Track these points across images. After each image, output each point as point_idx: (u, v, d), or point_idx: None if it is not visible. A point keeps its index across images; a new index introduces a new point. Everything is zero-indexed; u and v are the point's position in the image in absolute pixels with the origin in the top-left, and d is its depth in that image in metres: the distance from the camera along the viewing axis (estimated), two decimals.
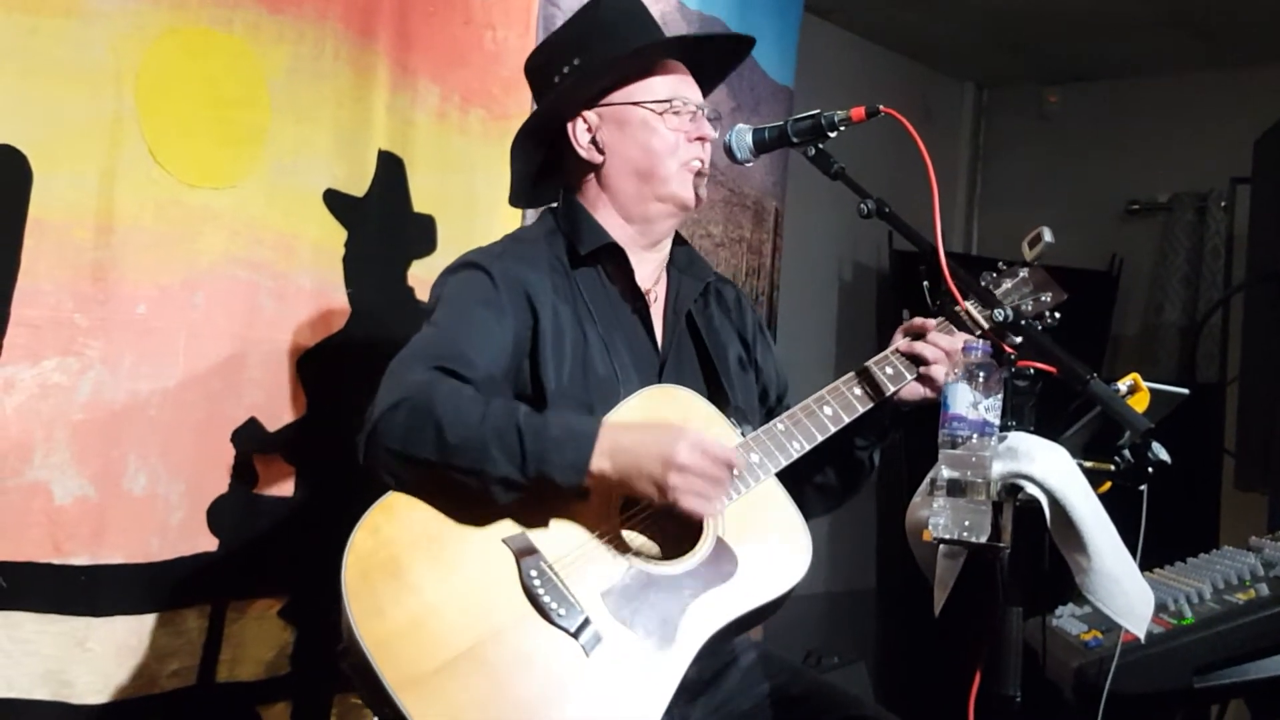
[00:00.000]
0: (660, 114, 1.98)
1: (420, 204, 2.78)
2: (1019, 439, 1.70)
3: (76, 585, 2.25)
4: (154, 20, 2.33)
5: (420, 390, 1.73)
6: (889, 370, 1.95)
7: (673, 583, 1.78)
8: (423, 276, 2.70)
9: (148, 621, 2.35)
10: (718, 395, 1.98)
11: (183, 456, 2.39)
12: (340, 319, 2.63)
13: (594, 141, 2.00)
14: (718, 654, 1.94)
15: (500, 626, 1.69)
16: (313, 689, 2.58)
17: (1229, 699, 2.65)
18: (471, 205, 2.84)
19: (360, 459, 1.76)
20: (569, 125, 2.01)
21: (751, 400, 2.08)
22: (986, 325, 1.80)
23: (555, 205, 2.11)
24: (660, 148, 1.97)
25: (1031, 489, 1.68)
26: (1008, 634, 1.69)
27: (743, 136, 1.99)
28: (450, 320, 1.88)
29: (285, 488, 2.56)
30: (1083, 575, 1.72)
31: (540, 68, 2.07)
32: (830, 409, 1.92)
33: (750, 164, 2.03)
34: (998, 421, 1.68)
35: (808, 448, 1.89)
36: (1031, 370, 1.72)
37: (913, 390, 1.96)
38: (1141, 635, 1.78)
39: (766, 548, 1.84)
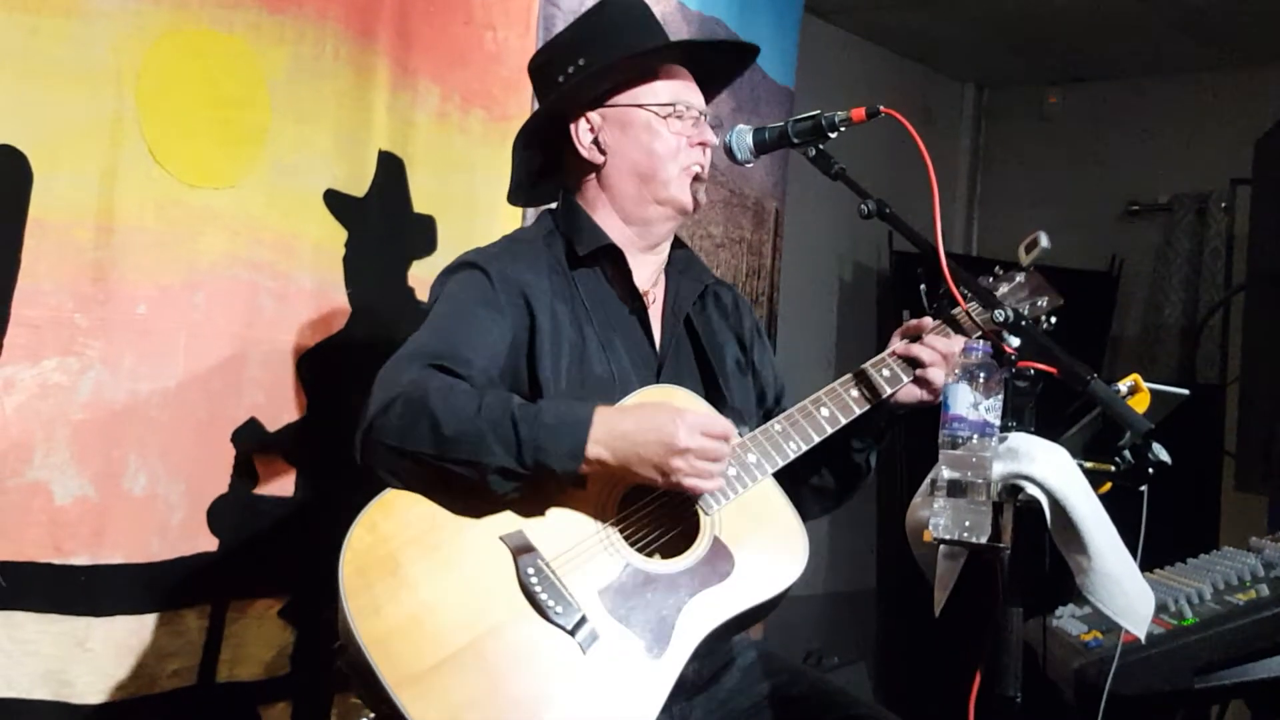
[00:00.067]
0: (664, 117, 1.98)
1: (420, 204, 2.78)
2: (1019, 439, 1.70)
3: (77, 585, 2.25)
4: (154, 20, 2.33)
5: (414, 387, 1.73)
6: (886, 372, 1.95)
7: (669, 581, 1.79)
8: (423, 277, 2.70)
9: (148, 621, 2.35)
10: (715, 397, 1.99)
11: (183, 456, 2.39)
12: (341, 319, 2.63)
13: (596, 142, 2.01)
14: (716, 653, 1.94)
15: (497, 624, 1.69)
16: (313, 689, 2.58)
17: (1229, 699, 2.64)
18: (472, 205, 2.84)
19: (357, 457, 1.76)
20: (571, 125, 2.01)
21: (749, 402, 2.09)
22: (984, 328, 1.81)
23: (554, 206, 2.12)
24: (662, 150, 1.98)
25: (1032, 489, 1.68)
26: (1008, 634, 1.69)
27: (743, 137, 1.99)
28: (447, 319, 1.89)
29: (285, 488, 2.56)
30: (1083, 576, 1.72)
31: (544, 67, 2.08)
32: (827, 410, 1.92)
33: (750, 164, 2.04)
34: (998, 422, 1.68)
35: (805, 448, 1.90)
36: (1032, 371, 1.72)
37: (910, 392, 1.96)
38: (1142, 636, 1.78)
39: (763, 547, 1.84)
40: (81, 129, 2.25)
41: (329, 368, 2.58)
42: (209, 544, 2.44)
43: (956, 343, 1.93)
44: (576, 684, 1.69)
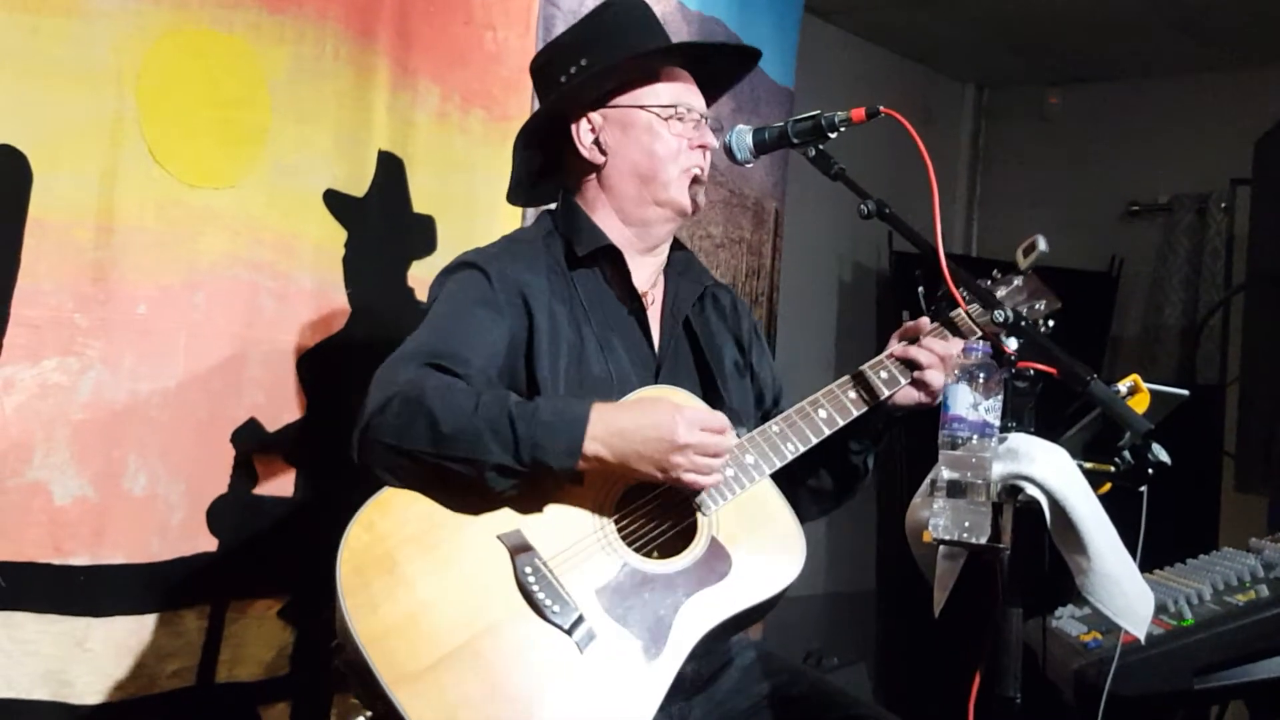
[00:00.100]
0: (665, 119, 1.99)
1: (420, 204, 2.78)
2: (1019, 440, 1.70)
3: (76, 585, 2.25)
4: (155, 20, 2.33)
5: (411, 385, 1.73)
6: (884, 374, 1.95)
7: (667, 581, 1.79)
8: (423, 277, 2.70)
9: (147, 622, 2.35)
10: (713, 398, 1.99)
11: (183, 457, 2.39)
12: (340, 319, 2.63)
13: (597, 142, 2.01)
14: (715, 652, 1.95)
15: (494, 622, 1.70)
16: (312, 689, 2.58)
17: (1229, 700, 2.64)
18: (472, 206, 2.84)
19: (354, 456, 1.76)
20: (573, 125, 2.01)
21: (747, 403, 2.09)
22: (984, 329, 1.81)
23: (553, 207, 2.12)
24: (663, 152, 1.98)
25: (1032, 490, 1.68)
26: (1008, 635, 1.69)
27: (743, 137, 1.99)
28: (446, 319, 1.89)
29: (285, 488, 2.56)
30: (1083, 576, 1.72)
31: (546, 67, 2.08)
32: (825, 412, 1.92)
33: (750, 165, 2.04)
34: (998, 423, 1.68)
35: (802, 449, 1.90)
36: (1031, 371, 1.72)
37: (908, 395, 1.96)
38: (1141, 636, 1.79)
39: (760, 548, 1.85)
40: (82, 129, 2.25)
41: (329, 368, 2.58)
42: (209, 544, 2.44)
43: (954, 345, 1.93)
44: (573, 683, 1.69)
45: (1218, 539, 4.21)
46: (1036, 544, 1.71)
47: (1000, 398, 1.69)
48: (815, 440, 1.91)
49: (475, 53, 2.86)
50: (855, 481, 2.10)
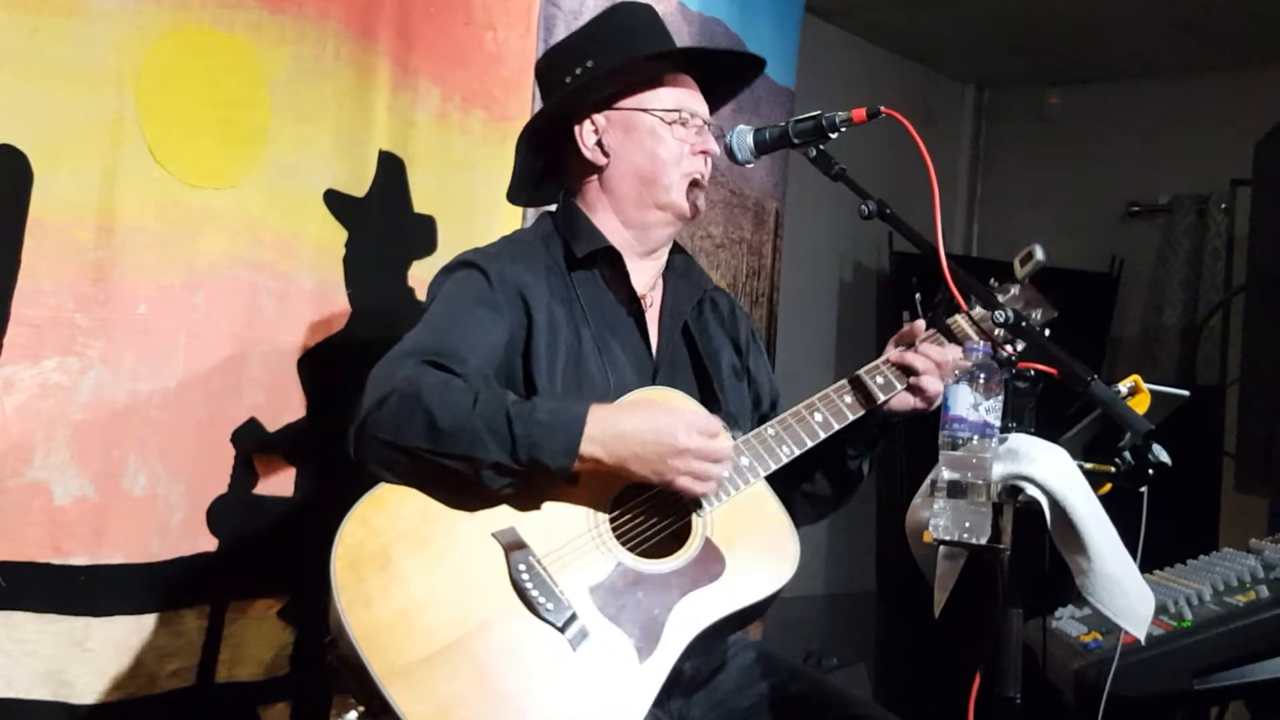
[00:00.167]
0: (669, 123, 2.00)
1: (421, 204, 2.78)
2: (1019, 440, 1.70)
3: (76, 585, 2.25)
4: (155, 20, 2.33)
5: (409, 382, 1.74)
6: (880, 379, 1.95)
7: (660, 581, 1.79)
8: (423, 277, 2.69)
9: (147, 622, 2.35)
10: (710, 402, 1.99)
11: (183, 456, 2.39)
12: (341, 319, 2.63)
13: (599, 144, 2.02)
14: (714, 651, 1.95)
15: (487, 619, 1.70)
16: (312, 689, 2.58)
17: (1229, 701, 2.65)
18: (472, 206, 2.84)
19: (351, 452, 1.77)
20: (576, 127, 2.02)
21: (744, 407, 2.10)
22: (984, 329, 1.80)
23: (553, 208, 2.13)
24: (665, 155, 1.99)
25: (1032, 490, 1.68)
26: (1008, 635, 1.70)
27: (744, 137, 1.99)
28: (444, 318, 1.89)
29: (285, 488, 2.56)
30: (1083, 577, 1.72)
31: (552, 68, 2.09)
32: (821, 415, 1.93)
33: (751, 165, 2.04)
34: (998, 423, 1.68)
35: (797, 452, 1.90)
36: (1032, 372, 1.72)
37: (903, 400, 1.96)
38: (1141, 637, 1.79)
39: (754, 550, 1.85)
40: (82, 129, 2.25)
41: (329, 368, 2.58)
42: (209, 544, 2.44)
43: (950, 351, 1.93)
44: (565, 681, 1.69)
45: (1218, 540, 4.21)
46: (1037, 544, 1.71)
47: (1001, 398, 1.69)
48: (811, 444, 1.91)
49: (476, 53, 2.86)
50: (851, 486, 2.10)
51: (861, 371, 1.96)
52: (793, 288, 4.27)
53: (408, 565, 1.71)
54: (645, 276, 2.06)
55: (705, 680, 1.96)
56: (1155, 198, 5.41)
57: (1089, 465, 1.70)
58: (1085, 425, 1.83)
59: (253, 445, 2.50)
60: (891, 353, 1.97)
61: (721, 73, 2.12)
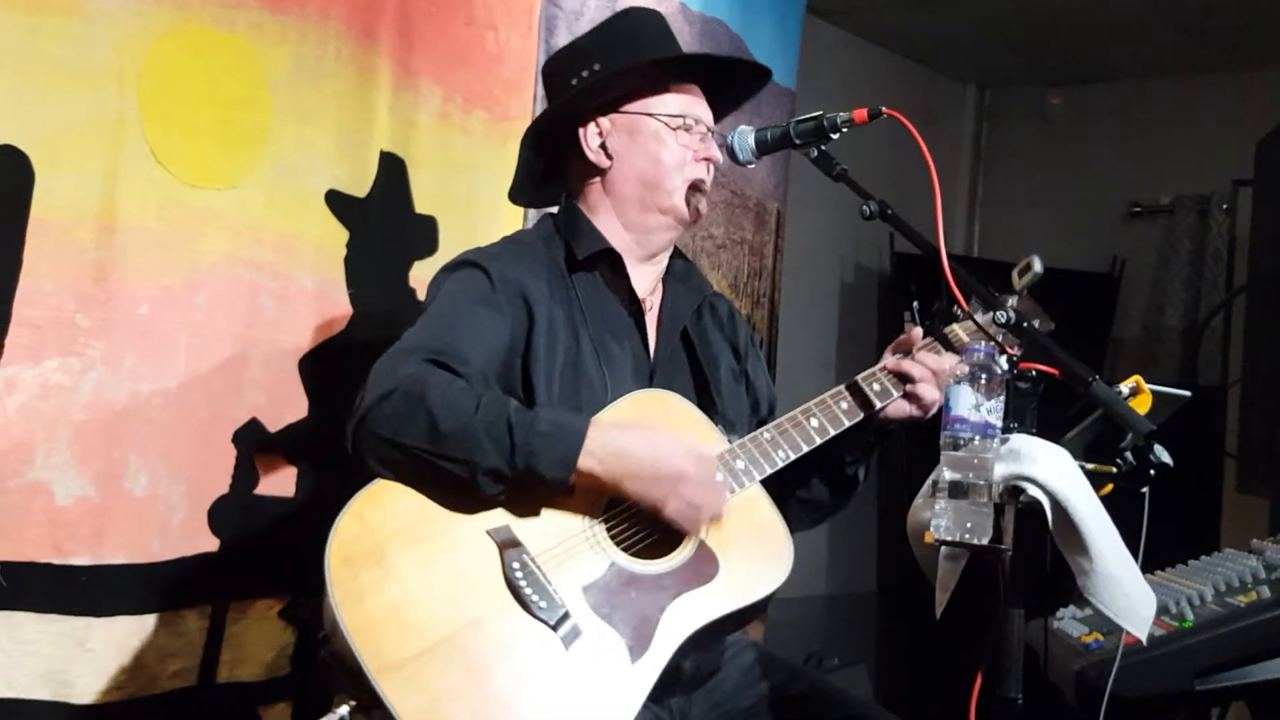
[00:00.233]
0: (673, 129, 2.01)
1: (422, 205, 2.78)
2: (1021, 441, 1.70)
3: (77, 585, 2.25)
4: (156, 20, 2.33)
5: (413, 380, 1.74)
6: (876, 386, 1.96)
7: (654, 582, 1.79)
8: (424, 277, 2.68)
9: (148, 622, 2.35)
10: (707, 406, 2.00)
11: (184, 457, 2.39)
12: (342, 320, 2.63)
13: (603, 146, 2.02)
14: (713, 650, 1.95)
15: (480, 616, 1.70)
16: (313, 690, 2.58)
17: (1230, 701, 2.65)
18: (473, 206, 2.84)
19: (349, 446, 1.77)
20: (581, 129, 2.03)
21: (741, 412, 2.10)
22: (986, 331, 1.80)
23: (555, 210, 2.13)
24: (669, 160, 2.00)
25: (1033, 491, 1.68)
26: (1009, 636, 1.69)
27: (745, 138, 2.00)
28: (447, 315, 1.90)
29: (286, 488, 2.56)
30: (1084, 577, 1.72)
31: (559, 69, 2.10)
32: (817, 421, 1.93)
33: (752, 165, 2.04)
34: (1000, 423, 1.68)
35: (793, 457, 1.91)
36: (1033, 372, 1.72)
37: (899, 408, 1.97)
38: (1143, 637, 1.79)
39: (748, 553, 1.85)
40: (83, 129, 2.25)
41: (330, 368, 2.58)
42: (210, 544, 2.44)
43: (947, 360, 1.94)
44: (557, 679, 1.70)
45: (1219, 540, 4.21)
46: (1038, 545, 1.71)
47: (1002, 399, 1.69)
48: (806, 448, 1.92)
49: (477, 53, 2.86)
50: (847, 492, 2.11)
51: (859, 378, 1.97)
52: (794, 288, 4.27)
53: (402, 561, 1.71)
54: (646, 281, 2.07)
55: (705, 678, 1.96)
56: (1156, 198, 5.40)
57: (1090, 466, 1.70)
58: (1087, 426, 1.83)
59: (254, 445, 2.50)
60: (889, 360, 1.98)
61: (727, 81, 2.13)
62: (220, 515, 2.45)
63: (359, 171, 2.66)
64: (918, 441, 2.04)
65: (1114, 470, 1.68)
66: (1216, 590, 2.34)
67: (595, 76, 2.00)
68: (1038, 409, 1.73)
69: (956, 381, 1.70)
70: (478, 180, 2.84)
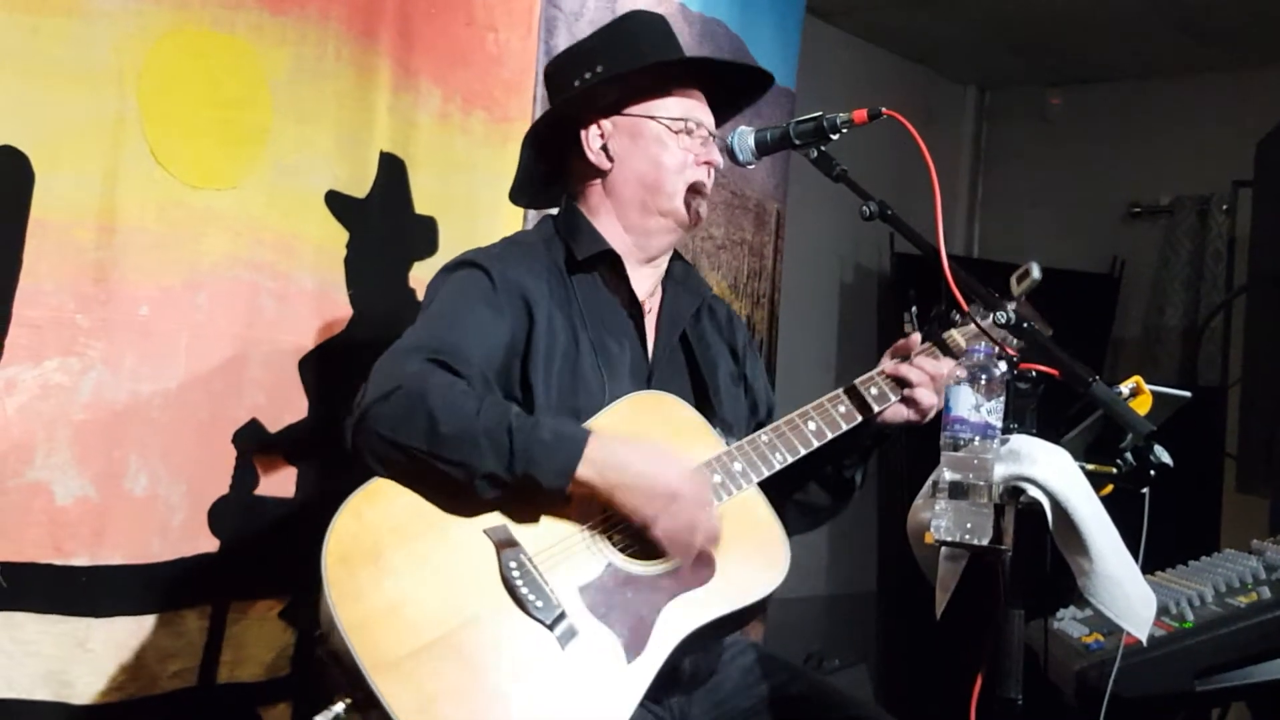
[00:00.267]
0: (675, 132, 2.02)
1: (422, 205, 2.78)
2: (1021, 441, 1.70)
3: (77, 586, 2.25)
4: (156, 21, 2.33)
5: (415, 380, 1.74)
6: (874, 391, 1.97)
7: (650, 583, 1.80)
8: (424, 278, 2.68)
9: (148, 622, 2.35)
10: (705, 408, 2.01)
11: (184, 457, 2.39)
12: (342, 320, 2.63)
13: (605, 148, 2.03)
14: (711, 650, 1.96)
15: (476, 615, 1.71)
16: (313, 690, 2.58)
17: (1230, 702, 2.65)
18: (473, 207, 2.84)
19: (348, 442, 1.77)
20: (582, 131, 2.03)
21: (739, 414, 2.11)
22: (988, 333, 1.80)
23: (555, 212, 2.13)
24: (670, 163, 2.01)
25: (1034, 491, 1.68)
26: (1009, 636, 1.69)
27: (745, 138, 2.00)
28: (448, 315, 1.90)
29: (286, 488, 2.56)
30: (1084, 578, 1.72)
31: (561, 71, 2.10)
32: (814, 424, 1.94)
33: (752, 166, 2.04)
34: (1000, 424, 1.68)
35: (790, 460, 1.91)
36: (1034, 373, 1.72)
37: (897, 412, 1.97)
38: (1143, 638, 1.78)
39: (744, 555, 1.86)
40: (83, 129, 2.25)
41: (330, 368, 2.58)
42: (210, 545, 2.44)
43: (945, 365, 1.95)
44: (552, 678, 1.70)
45: (1219, 541, 4.21)
46: (1038, 545, 1.71)
47: (1002, 399, 1.69)
48: (804, 451, 1.92)
49: (477, 54, 2.86)
50: (844, 496, 2.11)
51: (856, 382, 1.98)
52: (794, 289, 4.27)
53: (399, 559, 1.72)
54: (645, 283, 2.07)
55: (705, 678, 1.97)
56: (1156, 198, 5.40)
57: (1090, 466, 1.70)
58: (1087, 426, 1.83)
59: (254, 446, 2.50)
60: (887, 365, 1.99)
61: (729, 85, 2.13)
62: (220, 516, 2.45)
63: (359, 172, 2.66)
64: (918, 442, 2.04)
65: (1114, 471, 1.68)
66: (1217, 591, 2.34)
67: (598, 78, 2.00)
68: (1038, 409, 1.73)
69: (956, 382, 1.70)
70: (477, 181, 2.84)
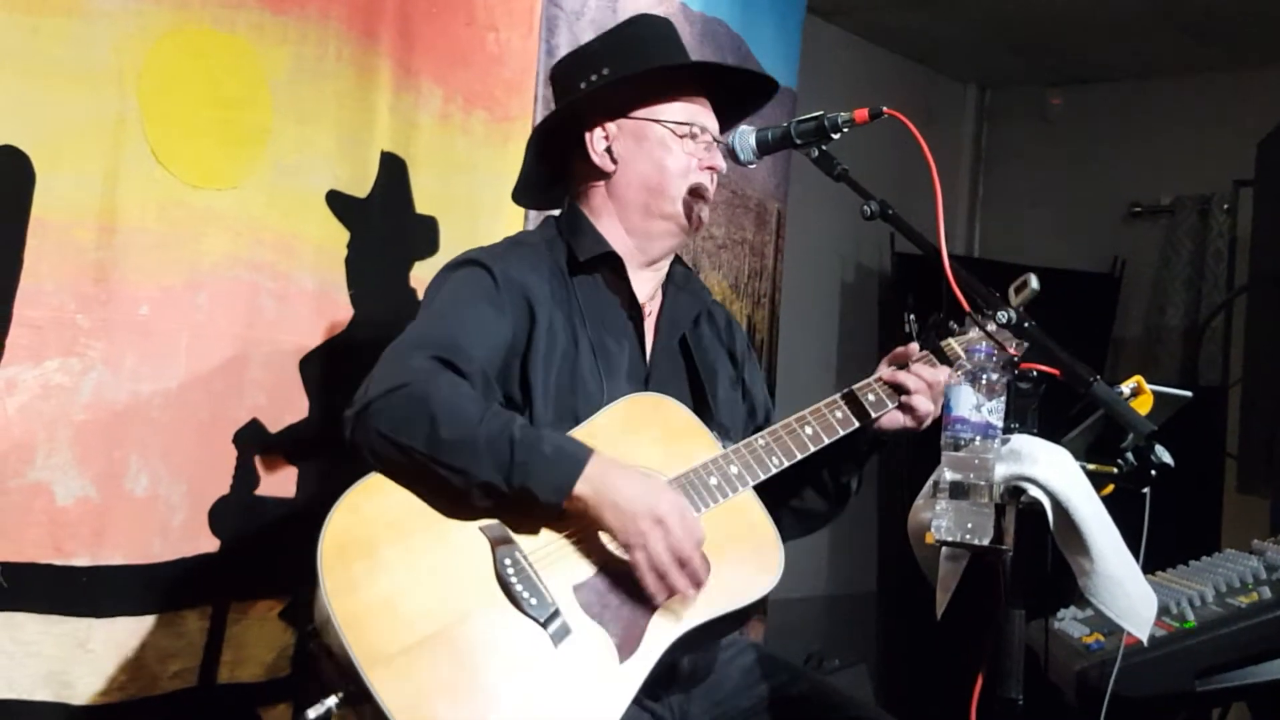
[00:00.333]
0: (680, 136, 2.02)
1: (422, 205, 2.78)
2: (1022, 441, 1.70)
3: (78, 586, 2.25)
4: (156, 20, 2.33)
5: (420, 379, 1.74)
6: (871, 397, 1.97)
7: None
8: (425, 278, 2.68)
9: (149, 623, 2.35)
10: (702, 412, 2.01)
11: (184, 457, 2.39)
12: (342, 320, 2.63)
13: (609, 151, 2.03)
14: (708, 649, 1.96)
15: (470, 611, 1.71)
16: (313, 690, 2.58)
17: (1231, 702, 2.65)
18: (474, 207, 2.84)
19: (346, 435, 1.77)
20: (587, 133, 2.03)
21: (737, 418, 2.11)
22: (989, 334, 1.80)
23: (557, 213, 2.13)
24: (673, 167, 2.01)
25: (1034, 491, 1.68)
26: (1010, 637, 1.69)
27: (746, 138, 1.99)
28: (451, 312, 1.90)
29: (287, 489, 2.55)
30: (1085, 578, 1.72)
31: (567, 73, 2.10)
32: (811, 429, 1.94)
33: (753, 165, 2.04)
34: (1001, 424, 1.68)
35: (786, 464, 1.91)
36: (1034, 373, 1.72)
37: (894, 419, 1.98)
38: (1144, 638, 1.79)
39: (738, 557, 1.86)
40: (83, 129, 2.25)
41: (331, 369, 2.58)
42: (210, 545, 2.44)
43: (942, 373, 1.96)
44: (544, 676, 1.70)
45: (1220, 541, 4.21)
46: (1039, 545, 1.71)
47: (1003, 399, 1.69)
48: (800, 456, 1.93)
49: (478, 54, 2.86)
50: (839, 502, 2.11)
51: (854, 388, 1.98)
52: (794, 288, 4.27)
53: (394, 554, 1.72)
54: (646, 286, 2.08)
55: (704, 676, 1.97)
56: (1157, 198, 5.40)
57: (1091, 466, 1.70)
58: (1087, 426, 1.83)
59: (254, 446, 2.50)
60: (884, 371, 1.99)
61: (734, 91, 2.13)
62: (221, 516, 2.45)
63: (360, 172, 2.66)
64: (919, 442, 2.04)
65: (1115, 471, 1.68)
66: (1217, 591, 2.34)
67: (603, 81, 2.01)
68: (1039, 409, 1.73)
69: (957, 383, 1.70)
70: (478, 181, 2.84)
